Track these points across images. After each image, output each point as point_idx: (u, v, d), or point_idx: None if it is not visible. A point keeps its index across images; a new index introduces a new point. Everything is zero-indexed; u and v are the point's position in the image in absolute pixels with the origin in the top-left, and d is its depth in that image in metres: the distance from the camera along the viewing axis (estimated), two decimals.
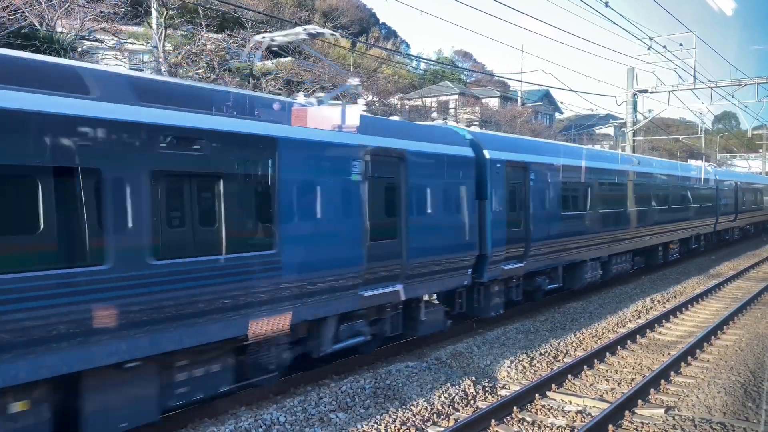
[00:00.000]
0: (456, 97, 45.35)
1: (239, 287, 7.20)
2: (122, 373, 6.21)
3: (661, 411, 8.11)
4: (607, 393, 9.04)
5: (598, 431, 7.36)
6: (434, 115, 37.30)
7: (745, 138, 59.95)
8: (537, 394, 8.64)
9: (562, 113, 61.52)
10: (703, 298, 16.74)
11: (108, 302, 5.94)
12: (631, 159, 20.80)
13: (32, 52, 9.73)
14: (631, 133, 29.61)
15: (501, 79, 54.91)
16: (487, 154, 11.90)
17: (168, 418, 7.22)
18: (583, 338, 12.21)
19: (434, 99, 42.80)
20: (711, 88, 27.56)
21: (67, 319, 5.61)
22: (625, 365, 10.51)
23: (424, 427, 7.60)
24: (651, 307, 15.52)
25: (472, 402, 8.50)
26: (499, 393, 8.90)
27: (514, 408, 8.09)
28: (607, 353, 10.96)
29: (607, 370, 10.20)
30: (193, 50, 20.80)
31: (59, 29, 17.39)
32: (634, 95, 29.24)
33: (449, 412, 8.08)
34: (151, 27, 20.23)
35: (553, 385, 9.06)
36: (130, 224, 6.16)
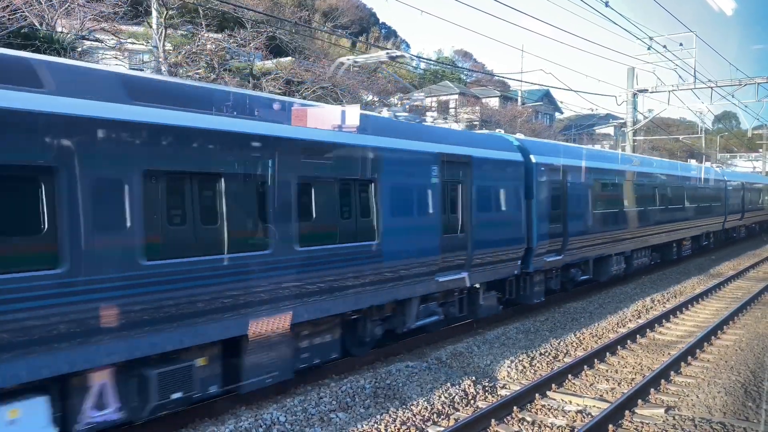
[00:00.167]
0: (456, 96, 45.34)
1: (354, 270, 8.85)
2: (269, 336, 7.73)
3: (662, 411, 8.11)
4: (607, 393, 9.04)
5: (599, 431, 7.36)
6: (434, 114, 37.30)
7: (745, 138, 59.91)
8: (537, 394, 8.64)
9: (562, 113, 61.52)
10: (703, 297, 16.75)
11: (268, 280, 7.59)
12: (652, 162, 22.85)
13: (32, 52, 9.73)
14: (631, 132, 29.61)
15: (501, 78, 54.93)
16: (533, 158, 13.53)
17: (168, 418, 7.22)
18: (583, 338, 12.21)
19: (434, 99, 42.79)
20: (711, 87, 27.55)
21: (235, 295, 7.20)
22: (625, 365, 10.51)
23: (424, 426, 7.60)
24: (651, 307, 15.52)
25: (472, 402, 8.50)
26: (499, 393, 8.90)
27: (514, 408, 8.09)
28: (608, 353, 10.96)
29: (607, 370, 10.20)
30: (193, 50, 20.79)
31: (59, 29, 17.39)
32: (634, 95, 29.24)
33: (449, 412, 8.08)
34: (151, 27, 20.23)
35: (553, 385, 9.06)
36: (288, 217, 7.92)
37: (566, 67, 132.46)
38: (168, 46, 20.58)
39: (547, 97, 54.42)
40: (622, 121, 31.78)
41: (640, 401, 8.47)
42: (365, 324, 9.60)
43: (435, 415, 7.93)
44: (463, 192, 11.29)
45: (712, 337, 12.09)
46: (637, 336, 12.25)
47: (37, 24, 16.53)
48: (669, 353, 10.98)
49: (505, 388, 9.13)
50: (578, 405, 8.46)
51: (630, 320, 14.00)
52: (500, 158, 12.52)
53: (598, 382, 9.55)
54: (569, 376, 9.60)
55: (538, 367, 10.18)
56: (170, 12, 19.93)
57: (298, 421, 7.49)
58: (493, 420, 7.65)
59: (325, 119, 8.75)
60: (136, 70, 17.18)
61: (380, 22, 64.07)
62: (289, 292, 7.87)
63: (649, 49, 24.56)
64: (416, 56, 55.29)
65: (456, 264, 11.02)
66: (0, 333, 5.16)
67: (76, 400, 5.96)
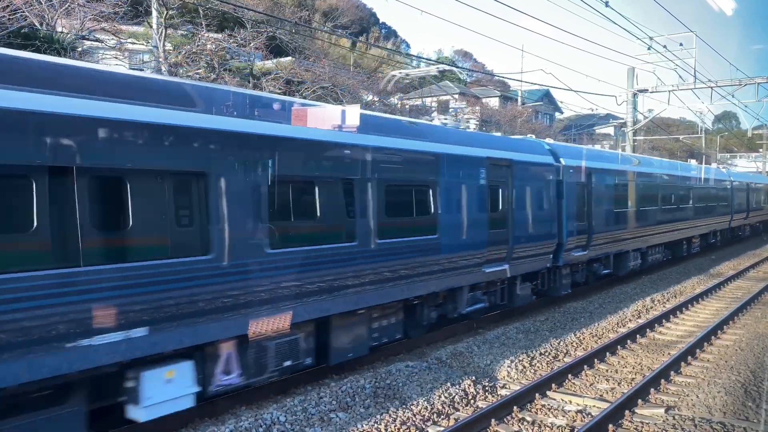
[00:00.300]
0: (456, 96, 45.34)
1: (418, 261, 9.92)
2: (352, 317, 8.94)
3: (662, 411, 8.11)
4: (607, 393, 9.04)
5: (599, 431, 7.36)
6: (434, 114, 37.29)
7: (745, 138, 59.90)
8: (537, 394, 8.64)
9: (562, 113, 61.55)
10: (703, 297, 16.75)
11: (352, 268, 8.67)
12: (665, 164, 24.00)
13: (32, 51, 9.74)
14: (631, 132, 29.61)
15: (501, 78, 54.93)
16: (562, 161, 14.76)
17: (168, 418, 7.21)
18: (583, 338, 12.21)
19: (434, 99, 42.78)
20: (711, 87, 27.54)
21: (329, 279, 8.33)
22: (625, 365, 10.51)
23: (424, 426, 7.60)
24: (651, 307, 15.52)
25: (472, 402, 8.50)
26: (499, 393, 8.90)
27: (515, 408, 8.09)
28: (608, 353, 10.96)
29: (607, 370, 10.20)
30: (193, 50, 20.79)
31: (59, 29, 17.39)
32: (635, 95, 29.23)
33: (449, 412, 8.08)
34: (151, 27, 20.23)
35: (553, 385, 9.06)
36: (372, 214, 9.05)
37: (566, 67, 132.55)
38: (168, 46, 20.58)
39: (547, 97, 54.43)
40: (622, 121, 31.78)
41: (640, 401, 8.47)
42: (423, 309, 10.74)
43: (435, 414, 7.93)
44: (505, 192, 12.48)
45: (712, 337, 12.09)
46: (637, 336, 12.25)
47: (37, 24, 16.53)
48: (669, 353, 10.98)
49: (505, 387, 9.13)
50: (578, 405, 8.46)
51: (630, 320, 14.00)
52: (536, 161, 13.75)
53: (598, 382, 9.55)
54: (569, 375, 9.60)
55: (538, 367, 10.18)
56: (170, 12, 19.94)
57: (298, 420, 7.49)
58: (493, 420, 7.65)
59: (400, 130, 10.25)
60: (136, 70, 17.18)
61: (380, 22, 64.10)
62: (367, 279, 8.95)
63: (649, 49, 24.59)
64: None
65: (499, 257, 12.19)
66: (171, 307, 6.47)
67: (210, 365, 7.12)
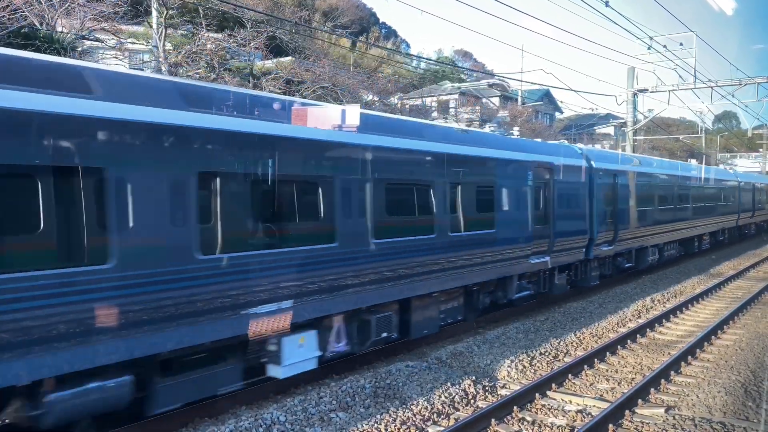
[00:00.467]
0: (456, 96, 45.33)
1: (478, 252, 11.37)
2: (429, 298, 10.29)
3: (662, 410, 8.10)
4: (607, 392, 9.04)
5: (599, 431, 7.35)
6: (434, 114, 37.30)
7: (745, 138, 59.87)
8: (537, 394, 8.64)
9: (562, 113, 61.49)
10: (703, 297, 16.74)
11: (431, 257, 10.05)
12: (679, 166, 25.28)
13: (32, 51, 9.74)
14: (631, 132, 29.59)
15: (501, 78, 54.87)
16: (593, 164, 16.19)
17: (168, 418, 7.22)
18: (584, 338, 12.20)
19: (434, 99, 42.78)
20: (711, 87, 27.52)
21: (416, 266, 9.73)
22: (625, 365, 10.51)
23: (424, 426, 7.59)
24: (651, 307, 15.51)
25: (472, 401, 8.49)
26: (499, 392, 8.90)
27: (515, 407, 8.09)
28: (608, 353, 10.95)
29: (607, 370, 10.20)
30: (193, 50, 20.78)
31: (59, 29, 17.38)
32: (635, 95, 29.22)
33: (449, 412, 8.07)
34: (151, 26, 20.23)
35: (553, 385, 9.05)
36: (447, 210, 10.50)
37: (566, 67, 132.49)
38: (168, 46, 20.57)
39: (547, 96, 54.38)
40: (622, 120, 31.78)
41: (640, 401, 8.47)
42: (479, 295, 12.09)
43: (435, 414, 7.93)
44: (547, 192, 13.92)
45: (712, 337, 12.08)
46: (638, 336, 12.25)
47: (37, 24, 16.52)
48: (669, 353, 10.98)
49: (505, 387, 9.12)
50: (578, 405, 8.46)
51: (630, 320, 14.00)
52: (571, 164, 15.20)
53: (598, 382, 9.55)
54: (569, 375, 9.59)
55: (538, 367, 10.18)
56: (170, 12, 19.93)
57: (298, 420, 7.49)
58: (493, 420, 7.65)
59: (466, 139, 11.72)
60: (137, 69, 17.17)
61: (380, 21, 64.11)
62: (441, 267, 10.34)
63: (649, 48, 24.59)
64: (417, 56, 55.25)
65: (542, 250, 13.58)
66: (308, 285, 7.91)
67: (326, 335, 8.52)
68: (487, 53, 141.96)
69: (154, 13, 19.31)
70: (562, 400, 8.67)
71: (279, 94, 17.65)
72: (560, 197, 14.36)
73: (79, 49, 18.13)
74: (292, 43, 27.85)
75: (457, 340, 11.66)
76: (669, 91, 28.45)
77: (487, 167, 11.90)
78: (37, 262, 5.44)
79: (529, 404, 8.41)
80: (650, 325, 13.08)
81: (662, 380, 9.22)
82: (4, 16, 15.02)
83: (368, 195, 8.93)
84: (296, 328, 7.95)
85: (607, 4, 17.72)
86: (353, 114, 9.02)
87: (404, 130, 10.05)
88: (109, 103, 5.99)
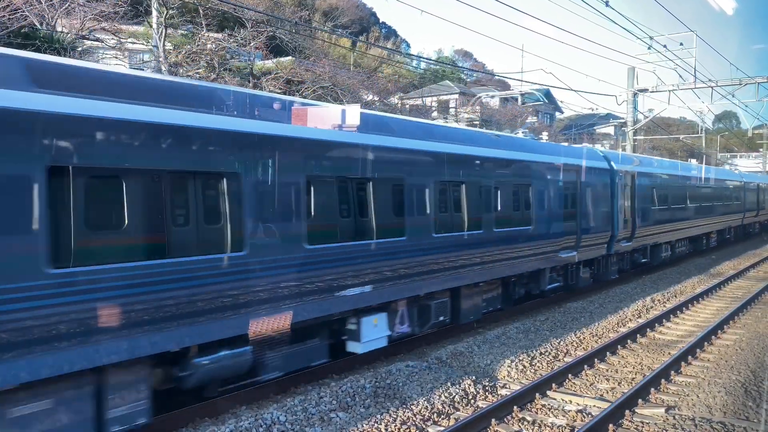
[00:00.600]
0: (456, 96, 45.32)
1: (518, 246, 12.58)
2: (475, 288, 11.58)
3: (662, 410, 8.10)
4: (607, 392, 9.04)
5: (599, 431, 7.35)
6: (434, 114, 37.29)
7: (745, 137, 59.79)
8: (537, 394, 8.64)
9: (562, 112, 61.50)
10: (703, 297, 16.74)
11: (478, 249, 11.30)
12: (690, 167, 26.75)
13: (32, 51, 9.75)
14: (631, 132, 29.58)
15: (501, 78, 54.88)
16: (614, 166, 17.41)
17: (168, 418, 7.22)
18: (584, 337, 12.20)
19: (434, 98, 42.76)
20: (711, 87, 27.49)
21: (463, 259, 10.94)
22: (625, 365, 10.51)
23: (424, 426, 7.59)
24: (651, 307, 15.51)
25: (472, 401, 8.49)
26: (499, 392, 8.90)
27: (515, 407, 8.09)
28: (608, 352, 10.95)
29: (607, 370, 10.19)
30: (194, 50, 20.78)
31: (59, 29, 17.38)
32: (635, 94, 29.20)
33: (449, 412, 8.07)
34: (151, 26, 20.21)
35: (553, 385, 9.05)
36: (491, 208, 11.73)
37: (567, 67, 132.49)
38: (168, 46, 20.56)
39: (547, 96, 54.30)
40: (622, 120, 31.75)
41: (640, 401, 8.47)
42: (515, 286, 13.29)
43: (435, 414, 7.93)
44: (575, 192, 15.14)
45: (713, 337, 12.08)
46: (638, 335, 12.25)
47: (37, 24, 16.53)
48: (669, 353, 10.98)
49: (506, 387, 9.12)
50: (578, 404, 8.46)
51: (630, 320, 14.00)
52: (596, 166, 16.44)
53: (598, 382, 9.54)
54: (569, 375, 9.59)
55: (539, 367, 10.18)
56: (170, 12, 19.92)
57: (298, 420, 7.49)
58: (493, 419, 7.64)
59: (511, 144, 13.21)
60: (137, 69, 17.17)
61: (380, 21, 64.11)
62: (485, 259, 11.43)
63: (649, 48, 24.56)
64: (417, 56, 55.19)
65: (570, 245, 14.77)
66: (383, 272, 9.17)
67: (393, 317, 9.71)
68: (487, 53, 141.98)
69: (154, 13, 19.30)
70: (562, 400, 8.67)
71: (278, 94, 17.64)
72: (586, 197, 15.55)
73: (79, 49, 18.13)
74: (292, 43, 27.85)
75: (457, 340, 11.66)
76: (669, 91, 28.42)
77: (526, 169, 13.11)
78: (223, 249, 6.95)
79: (529, 404, 8.40)
80: (650, 324, 13.07)
81: (662, 380, 9.22)
82: (4, 16, 15.02)
83: (432, 195, 10.20)
84: (371, 310, 9.25)
85: (607, 4, 17.71)
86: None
87: (460, 137, 11.54)
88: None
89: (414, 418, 7.71)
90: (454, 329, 12.31)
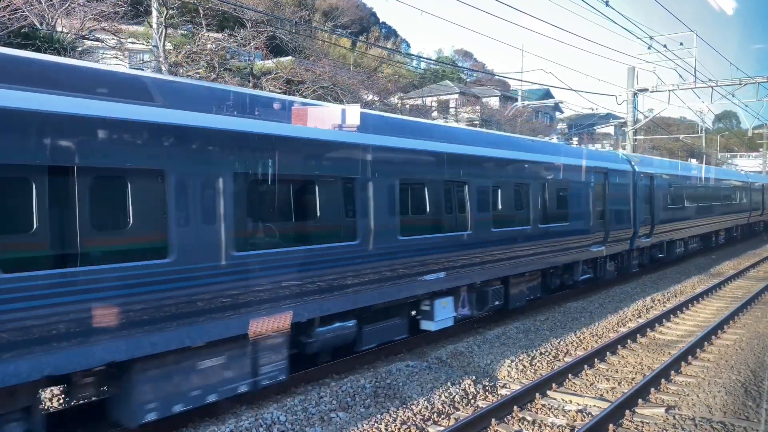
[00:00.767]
0: (456, 96, 45.32)
1: (557, 241, 14.02)
2: (521, 277, 12.95)
3: (662, 410, 8.10)
4: (607, 392, 9.04)
5: (599, 430, 7.35)
6: (434, 114, 37.28)
7: (745, 137, 59.76)
8: (537, 394, 8.64)
9: (562, 112, 61.52)
10: (703, 297, 16.74)
11: (527, 244, 12.84)
12: (702, 168, 28.13)
13: (32, 51, 9.75)
14: (631, 132, 29.56)
15: (501, 78, 54.88)
16: (636, 167, 18.98)
17: (168, 418, 7.21)
18: (584, 337, 12.20)
19: (434, 98, 42.77)
20: (711, 87, 27.47)
21: (512, 252, 12.35)
22: (625, 364, 10.51)
23: (424, 426, 7.60)
24: (651, 307, 15.51)
25: (472, 401, 8.49)
26: (499, 392, 8.90)
27: (515, 407, 8.09)
28: (608, 352, 10.95)
29: (607, 370, 10.19)
30: (194, 50, 20.78)
31: (59, 29, 17.38)
32: (635, 94, 29.19)
33: (450, 411, 8.07)
34: (151, 26, 20.22)
35: (553, 385, 9.05)
36: (538, 206, 13.20)
37: (567, 67, 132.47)
38: (168, 46, 20.57)
39: (547, 96, 54.30)
40: (622, 120, 31.72)
41: (640, 401, 8.47)
42: (552, 277, 14.65)
43: (435, 414, 7.93)
44: (602, 192, 16.55)
45: (713, 337, 12.08)
46: (638, 335, 12.25)
47: (37, 24, 16.53)
48: (669, 353, 10.98)
49: (506, 387, 9.12)
50: (578, 404, 8.46)
51: (630, 320, 14.00)
52: (620, 168, 18.01)
53: (598, 382, 9.54)
54: (569, 375, 9.59)
55: (539, 367, 10.18)
56: (170, 11, 19.92)
57: (298, 420, 7.49)
58: (493, 419, 7.65)
59: (549, 149, 14.66)
60: (137, 69, 17.17)
61: (380, 21, 64.12)
62: (529, 252, 12.88)
63: (649, 48, 24.54)
64: (417, 56, 55.16)
65: (599, 240, 16.22)
66: (457, 261, 10.74)
67: (457, 301, 11.07)
68: (487, 53, 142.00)
69: (154, 13, 19.31)
70: (563, 399, 8.67)
71: (278, 93, 17.63)
72: (612, 196, 17.07)
73: (79, 49, 18.13)
74: (292, 43, 27.85)
75: (457, 340, 11.65)
76: (669, 90, 28.40)
77: (564, 171, 14.62)
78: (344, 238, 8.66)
79: (529, 404, 8.41)
80: (650, 324, 13.07)
81: (662, 380, 9.22)
82: (4, 16, 15.02)
83: (490, 195, 11.66)
84: (441, 294, 10.64)
85: (607, 4, 17.70)
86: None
87: (510, 143, 13.10)
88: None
89: (414, 418, 7.71)
90: (455, 328, 12.32)
